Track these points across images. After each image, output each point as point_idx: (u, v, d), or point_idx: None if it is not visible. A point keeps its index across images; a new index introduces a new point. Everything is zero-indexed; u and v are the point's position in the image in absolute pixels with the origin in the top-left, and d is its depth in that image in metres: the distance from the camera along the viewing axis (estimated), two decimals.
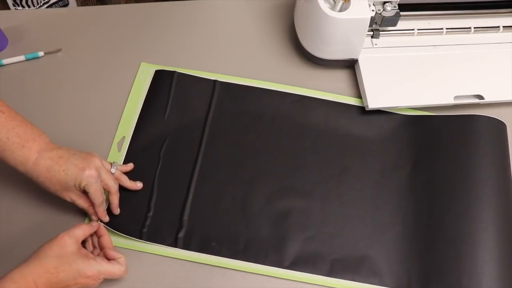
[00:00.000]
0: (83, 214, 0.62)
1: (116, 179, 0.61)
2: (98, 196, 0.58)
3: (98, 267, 0.54)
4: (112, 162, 0.62)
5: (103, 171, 0.58)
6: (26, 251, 0.59)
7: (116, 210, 0.62)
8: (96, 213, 0.60)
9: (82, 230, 0.56)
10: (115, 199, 0.61)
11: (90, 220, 0.61)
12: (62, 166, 0.56)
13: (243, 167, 0.67)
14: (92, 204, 0.59)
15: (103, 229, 0.60)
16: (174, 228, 0.62)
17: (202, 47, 0.78)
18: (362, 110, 0.72)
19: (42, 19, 0.80)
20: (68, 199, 0.58)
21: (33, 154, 0.56)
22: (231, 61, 0.76)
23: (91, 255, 0.56)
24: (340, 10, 0.67)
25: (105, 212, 0.61)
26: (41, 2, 1.41)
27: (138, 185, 0.64)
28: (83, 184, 0.56)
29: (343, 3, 0.66)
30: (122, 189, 0.63)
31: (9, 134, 0.55)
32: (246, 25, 0.81)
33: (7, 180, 0.64)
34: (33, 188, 0.62)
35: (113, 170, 0.61)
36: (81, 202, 0.59)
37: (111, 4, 1.40)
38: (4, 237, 0.61)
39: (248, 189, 0.65)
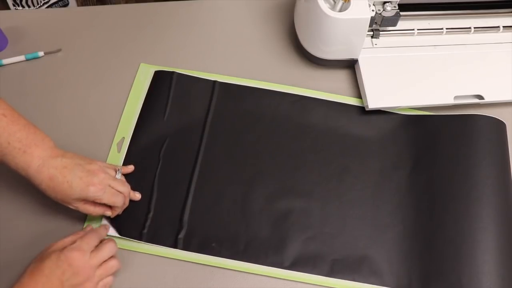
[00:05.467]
0: (82, 220, 0.63)
1: None
2: (116, 200, 0.58)
3: (79, 243, 0.54)
4: (117, 169, 0.61)
5: (110, 180, 0.57)
6: (26, 255, 0.59)
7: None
8: (109, 210, 0.60)
9: (72, 237, 0.56)
10: (126, 204, 0.61)
11: (90, 224, 0.62)
12: (66, 177, 0.54)
13: (243, 167, 0.67)
14: (96, 205, 0.58)
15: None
16: (174, 229, 0.62)
17: (202, 48, 0.78)
18: (362, 110, 0.72)
19: (42, 19, 0.80)
20: (72, 207, 0.57)
21: (35, 160, 0.54)
22: (230, 61, 0.76)
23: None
24: (340, 10, 0.67)
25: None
26: (41, 2, 1.41)
27: (137, 195, 0.63)
28: (91, 200, 0.56)
29: (343, 3, 0.66)
30: None
31: (10, 138, 0.54)
32: (246, 25, 0.81)
33: (6, 186, 0.64)
34: (34, 194, 0.63)
35: (117, 176, 0.60)
36: (86, 208, 0.57)
37: (111, 4, 1.40)
38: (4, 242, 0.61)
39: (248, 189, 0.65)
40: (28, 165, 0.54)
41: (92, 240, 0.55)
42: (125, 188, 0.60)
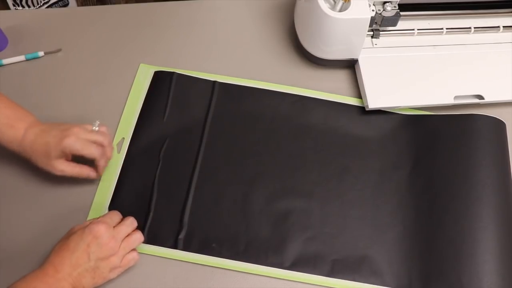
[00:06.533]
0: (85, 213, 0.63)
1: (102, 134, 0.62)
2: (91, 151, 0.60)
3: (102, 218, 0.56)
4: (93, 122, 0.63)
5: (83, 131, 0.60)
6: (29, 249, 0.60)
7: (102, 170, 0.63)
8: (94, 172, 0.62)
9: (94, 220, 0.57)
10: (109, 152, 0.62)
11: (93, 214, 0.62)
12: (44, 139, 0.58)
13: (243, 167, 0.67)
14: (81, 166, 0.61)
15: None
16: (174, 230, 0.62)
17: (202, 48, 0.78)
18: (362, 110, 0.72)
19: (42, 19, 0.80)
20: (58, 172, 0.60)
21: (21, 132, 0.59)
22: (230, 61, 0.76)
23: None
24: (340, 10, 0.67)
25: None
26: (41, 2, 1.41)
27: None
28: (67, 150, 0.59)
29: (343, 3, 0.66)
30: (122, 190, 0.64)
31: None
32: (246, 25, 0.81)
33: (7, 182, 0.65)
34: (36, 190, 0.63)
35: (95, 128, 0.62)
36: (71, 169, 0.60)
37: (111, 4, 1.40)
38: (5, 238, 0.61)
39: (248, 189, 0.65)
40: (15, 137, 0.59)
41: (114, 216, 0.58)
42: (103, 138, 0.61)
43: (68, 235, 0.55)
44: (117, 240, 0.55)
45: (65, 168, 0.60)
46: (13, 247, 0.61)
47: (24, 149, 0.59)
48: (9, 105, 0.60)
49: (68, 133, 0.59)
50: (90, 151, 0.60)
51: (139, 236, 0.58)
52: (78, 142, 0.59)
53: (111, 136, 0.64)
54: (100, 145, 0.61)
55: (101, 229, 0.54)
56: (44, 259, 0.53)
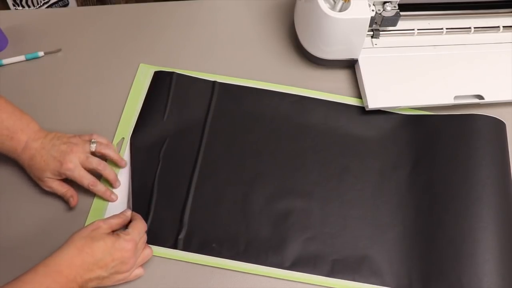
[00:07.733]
0: (85, 213, 0.63)
1: (100, 153, 0.63)
2: (84, 180, 0.61)
3: (132, 234, 0.55)
4: (91, 140, 0.63)
5: (83, 156, 0.61)
6: (27, 251, 0.60)
7: (116, 184, 0.64)
8: (74, 199, 0.62)
9: (117, 220, 0.57)
10: (108, 175, 0.63)
11: (92, 218, 0.62)
12: (44, 157, 0.60)
13: (243, 168, 0.67)
14: (68, 188, 0.62)
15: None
16: (174, 230, 0.62)
17: (202, 48, 0.78)
18: (362, 110, 0.72)
19: (42, 19, 0.80)
20: (46, 188, 0.62)
21: (21, 144, 0.60)
22: (230, 61, 0.76)
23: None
24: (340, 10, 0.67)
25: (109, 191, 0.63)
26: (41, 2, 1.41)
27: (113, 198, 0.64)
28: (63, 177, 0.61)
29: (343, 3, 0.66)
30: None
31: None
32: (245, 25, 0.81)
33: (6, 180, 0.65)
34: (33, 187, 0.63)
35: (92, 147, 0.62)
36: (60, 188, 0.61)
37: (111, 4, 1.40)
38: (4, 237, 0.61)
39: (248, 189, 0.65)
40: (14, 149, 0.60)
41: (142, 230, 0.57)
42: (99, 162, 0.62)
43: (94, 235, 0.53)
44: (137, 257, 0.56)
45: (54, 186, 0.61)
46: (13, 246, 0.61)
47: (22, 160, 0.61)
48: (11, 114, 0.60)
49: (67, 159, 0.60)
50: (83, 183, 0.61)
51: (149, 251, 0.59)
52: (75, 171, 0.60)
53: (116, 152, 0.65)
54: (98, 170, 0.62)
55: (131, 249, 0.54)
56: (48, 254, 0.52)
